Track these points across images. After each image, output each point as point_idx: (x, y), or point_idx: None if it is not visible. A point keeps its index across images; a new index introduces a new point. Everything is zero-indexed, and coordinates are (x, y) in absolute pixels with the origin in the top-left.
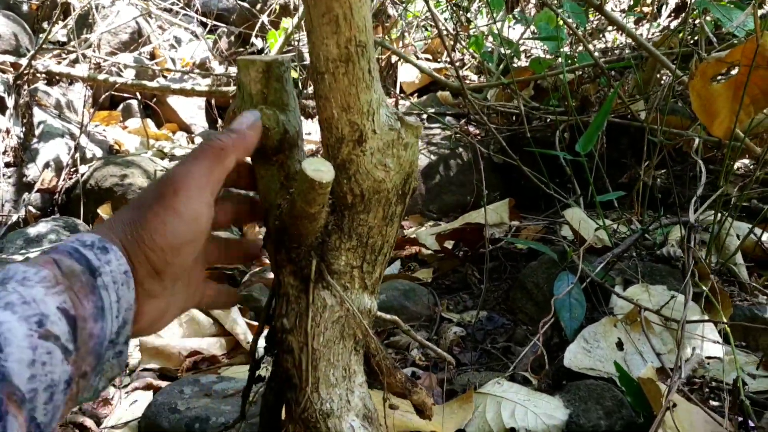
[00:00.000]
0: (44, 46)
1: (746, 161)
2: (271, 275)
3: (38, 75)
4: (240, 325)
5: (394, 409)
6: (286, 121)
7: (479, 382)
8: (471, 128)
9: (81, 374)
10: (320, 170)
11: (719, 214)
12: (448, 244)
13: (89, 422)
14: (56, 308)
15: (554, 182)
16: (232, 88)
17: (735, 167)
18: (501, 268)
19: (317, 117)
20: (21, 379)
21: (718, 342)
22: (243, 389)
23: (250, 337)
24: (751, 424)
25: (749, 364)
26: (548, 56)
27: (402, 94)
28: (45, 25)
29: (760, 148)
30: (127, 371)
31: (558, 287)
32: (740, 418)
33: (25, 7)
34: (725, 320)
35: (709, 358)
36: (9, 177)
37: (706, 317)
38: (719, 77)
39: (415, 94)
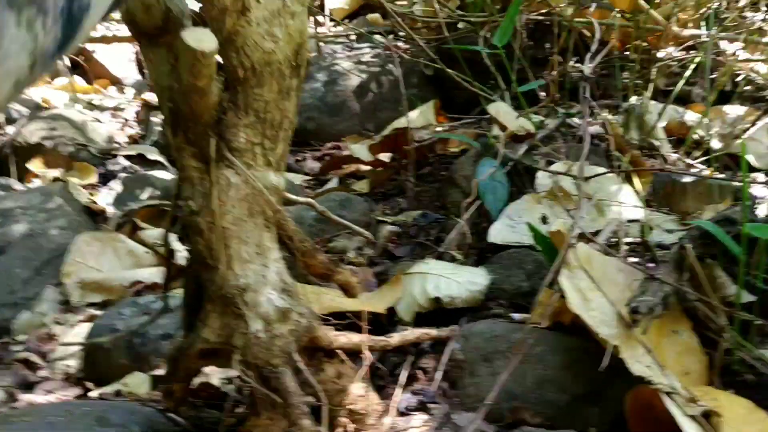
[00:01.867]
0: None
1: (672, 49)
2: None
3: None
4: (178, 251)
5: (309, 284)
6: None
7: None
8: (401, 44)
9: None
10: (202, 40)
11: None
12: (384, 157)
13: (35, 357)
14: None
15: (485, 85)
16: None
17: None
18: (435, 171)
19: None
20: None
21: (637, 206)
22: (164, 279)
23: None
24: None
25: (668, 223)
26: None
27: (333, 21)
28: None
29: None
30: (70, 308)
31: (480, 172)
32: (652, 264)
33: None
34: (642, 189)
35: (630, 221)
36: None
37: (626, 186)
38: None
39: (346, 20)
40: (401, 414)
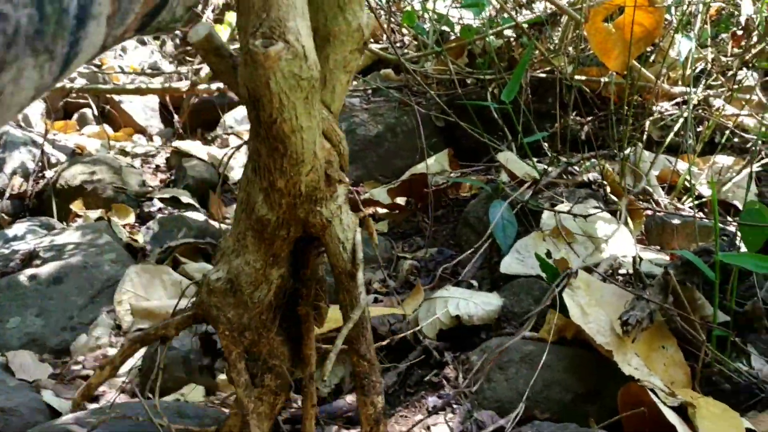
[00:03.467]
0: None
1: (667, 104)
2: None
3: None
4: None
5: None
6: None
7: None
8: (413, 98)
9: None
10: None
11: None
12: (400, 200)
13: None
14: None
15: (491, 136)
16: (184, 84)
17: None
18: (448, 213)
19: None
20: None
21: (630, 243)
22: None
23: None
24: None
25: (659, 259)
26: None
27: None
28: None
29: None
30: (122, 333)
31: (492, 212)
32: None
33: None
34: (635, 229)
35: (624, 256)
36: None
37: (622, 226)
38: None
39: (360, 75)
40: (430, 412)
